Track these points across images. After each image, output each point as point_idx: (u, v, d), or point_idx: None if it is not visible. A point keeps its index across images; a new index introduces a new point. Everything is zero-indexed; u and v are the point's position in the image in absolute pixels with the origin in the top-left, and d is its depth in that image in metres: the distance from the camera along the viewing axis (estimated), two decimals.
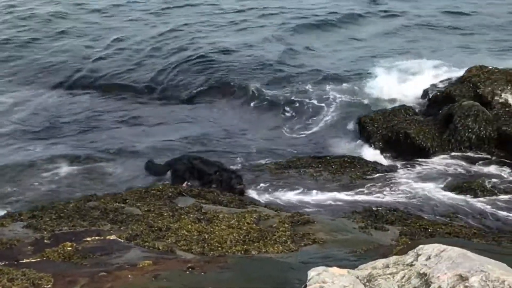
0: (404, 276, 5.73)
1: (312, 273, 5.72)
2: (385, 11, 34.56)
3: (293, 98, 22.45)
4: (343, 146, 18.38)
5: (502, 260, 5.78)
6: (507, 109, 18.00)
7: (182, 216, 11.33)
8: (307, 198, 14.95)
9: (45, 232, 10.35)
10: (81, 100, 23.36)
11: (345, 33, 31.10)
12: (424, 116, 19.03)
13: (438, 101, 19.45)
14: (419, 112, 19.28)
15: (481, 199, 14.70)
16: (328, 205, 14.56)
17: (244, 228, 10.72)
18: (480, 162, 16.74)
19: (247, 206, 12.83)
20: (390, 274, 5.82)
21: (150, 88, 24.11)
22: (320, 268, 5.78)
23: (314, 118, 20.75)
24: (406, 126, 18.05)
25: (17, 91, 24.01)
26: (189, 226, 10.73)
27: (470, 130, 17.21)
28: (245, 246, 9.96)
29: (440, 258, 5.70)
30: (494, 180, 15.75)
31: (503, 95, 18.33)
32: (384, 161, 17.22)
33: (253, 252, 9.70)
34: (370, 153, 17.63)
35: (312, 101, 21.99)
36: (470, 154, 17.12)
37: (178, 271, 7.78)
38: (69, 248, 9.14)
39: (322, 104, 21.68)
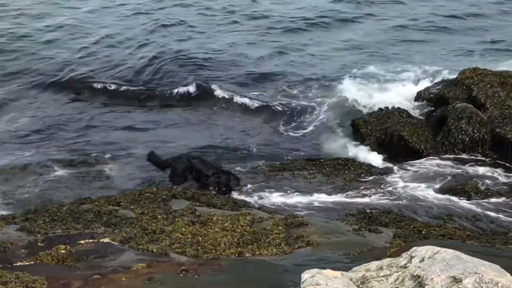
0: (397, 278, 5.74)
1: (306, 275, 5.72)
2: (373, 14, 34.52)
3: (283, 100, 22.36)
4: (336, 149, 18.36)
5: (495, 262, 5.79)
6: (500, 111, 18.03)
7: (176, 219, 11.32)
8: (301, 201, 14.95)
9: (39, 235, 10.34)
10: (69, 101, 23.34)
11: (335, 36, 31.07)
12: (417, 118, 19.02)
13: (431, 103, 19.46)
14: (412, 114, 19.27)
15: (474, 201, 14.73)
16: (322, 207, 14.57)
17: (238, 230, 10.72)
18: (474, 164, 16.76)
19: (241, 209, 12.83)
20: (383, 276, 5.82)
21: (138, 89, 23.94)
22: (314, 271, 5.78)
23: (306, 120, 20.72)
24: (400, 128, 18.06)
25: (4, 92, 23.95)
26: (183, 229, 10.73)
27: (463, 132, 17.23)
28: (239, 248, 9.96)
29: (434, 260, 5.71)
30: (487, 182, 15.78)
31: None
32: (378, 163, 17.21)
33: (247, 254, 9.70)
34: (364, 155, 17.61)
35: (303, 103, 21.95)
36: (464, 156, 17.13)
37: (172, 274, 7.78)
38: (62, 251, 9.14)
39: (314, 105, 21.65)
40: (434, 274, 5.52)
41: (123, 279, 7.65)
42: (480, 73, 19.35)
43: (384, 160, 17.35)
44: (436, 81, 21.70)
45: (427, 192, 15.37)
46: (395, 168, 16.82)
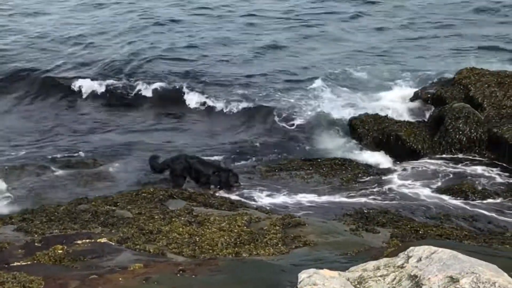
0: (395, 278, 5.74)
1: (303, 275, 5.72)
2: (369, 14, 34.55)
3: (275, 99, 22.38)
4: (334, 149, 18.35)
5: (493, 261, 5.80)
6: (497, 110, 18.05)
7: (173, 219, 11.32)
8: (298, 201, 14.95)
9: (36, 235, 10.34)
10: (62, 101, 23.36)
11: (327, 34, 31.08)
12: (415, 118, 19.03)
13: (429, 103, 19.47)
14: (409, 114, 19.27)
15: (472, 201, 14.74)
16: (319, 207, 14.57)
17: (235, 230, 10.72)
18: (471, 164, 16.77)
19: (238, 209, 12.83)
20: (381, 276, 5.83)
21: (128, 89, 23.92)
22: (311, 271, 5.78)
23: (302, 120, 20.67)
24: (397, 128, 18.07)
25: None
26: (180, 229, 10.72)
27: (461, 132, 17.24)
28: (236, 248, 9.96)
29: (431, 260, 5.72)
30: (485, 182, 15.80)
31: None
32: (375, 163, 17.20)
33: (244, 254, 9.70)
34: (361, 155, 17.62)
35: (297, 102, 21.91)
36: (461, 156, 17.15)
37: (169, 274, 7.78)
38: (59, 251, 9.13)
39: (309, 105, 21.61)
40: (431, 274, 5.52)
41: (120, 279, 7.64)
42: (477, 73, 19.37)
43: (381, 160, 17.34)
44: (433, 80, 21.68)
45: (424, 192, 15.38)
46: (392, 168, 16.83)
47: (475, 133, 17.21)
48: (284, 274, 7.76)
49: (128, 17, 34.19)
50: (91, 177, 16.64)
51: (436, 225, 12.79)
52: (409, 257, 5.91)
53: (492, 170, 16.38)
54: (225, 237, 10.39)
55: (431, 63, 25.18)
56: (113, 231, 10.66)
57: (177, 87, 23.48)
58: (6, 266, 8.63)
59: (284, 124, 20.46)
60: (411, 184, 15.85)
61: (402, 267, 5.82)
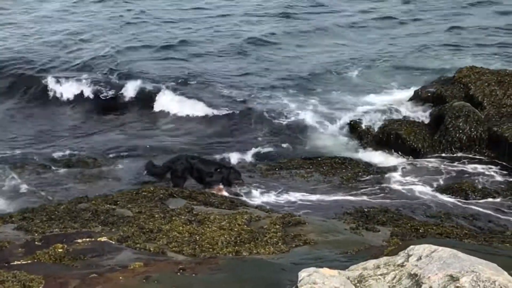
0: (395, 277, 5.74)
1: (303, 274, 5.72)
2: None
3: (277, 97, 22.44)
4: (334, 147, 18.36)
5: (493, 260, 5.80)
6: (497, 109, 18.05)
7: (173, 218, 11.31)
8: (298, 199, 14.95)
9: (36, 234, 10.34)
10: (58, 102, 23.39)
11: (324, 32, 31.13)
12: (415, 117, 19.03)
13: (429, 102, 19.47)
14: (410, 113, 19.27)
15: (472, 200, 14.75)
16: (320, 206, 14.57)
17: (235, 229, 10.72)
18: (471, 162, 16.78)
19: (238, 208, 12.83)
20: (381, 274, 5.83)
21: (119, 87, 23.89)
22: (311, 269, 5.78)
23: (303, 119, 20.69)
24: (397, 127, 18.08)
25: None
26: (180, 228, 10.72)
27: (461, 131, 17.24)
28: (236, 247, 9.96)
29: (431, 259, 5.71)
30: (485, 180, 15.81)
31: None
32: (375, 162, 17.22)
33: (244, 253, 9.69)
34: (361, 154, 17.64)
35: (295, 101, 21.95)
36: (461, 154, 17.16)
37: (169, 273, 7.77)
38: (60, 250, 9.12)
39: (309, 103, 21.63)
40: (431, 272, 5.52)
41: (121, 278, 7.64)
42: (477, 72, 19.39)
43: (381, 159, 17.35)
44: (433, 79, 21.69)
45: (424, 191, 15.38)
46: (393, 167, 16.84)
47: (475, 132, 17.22)
48: (284, 273, 7.75)
49: (116, 14, 34.29)
50: (91, 176, 16.64)
51: (436, 224, 12.79)
52: (409, 255, 5.91)
53: (492, 169, 16.39)
54: (225, 236, 10.39)
55: (431, 61, 25.20)
56: (113, 230, 10.65)
57: (173, 86, 23.47)
58: (6, 265, 8.62)
59: (284, 123, 20.46)
60: (411, 182, 15.86)
61: (402, 266, 5.82)
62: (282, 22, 33.14)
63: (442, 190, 15.33)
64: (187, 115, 21.67)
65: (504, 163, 16.56)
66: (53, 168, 17.11)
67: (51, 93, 23.78)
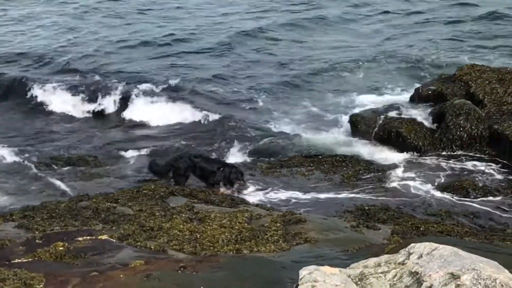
0: (396, 275, 5.74)
1: (304, 272, 5.72)
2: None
3: (278, 95, 22.42)
4: (334, 145, 18.35)
5: (494, 258, 5.80)
6: (498, 107, 18.04)
7: (174, 216, 11.31)
8: (299, 197, 14.95)
9: (37, 232, 10.34)
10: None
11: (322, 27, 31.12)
12: (415, 115, 19.01)
13: (430, 99, 19.45)
14: (410, 111, 19.26)
15: (472, 198, 14.74)
16: (320, 204, 14.56)
17: (236, 227, 10.72)
18: (472, 160, 16.76)
19: (239, 206, 12.83)
20: (381, 273, 5.83)
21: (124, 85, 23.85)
22: (312, 267, 5.78)
23: (303, 116, 20.70)
24: (398, 124, 18.06)
25: None
26: (181, 226, 10.72)
27: (461, 129, 17.23)
28: (237, 245, 9.96)
29: (432, 257, 5.72)
30: (485, 178, 15.79)
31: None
32: (376, 160, 17.21)
33: (245, 251, 9.70)
34: (362, 152, 17.62)
35: (295, 99, 21.97)
36: (462, 152, 17.14)
37: (170, 271, 7.77)
38: (60, 248, 9.13)
39: (309, 101, 21.64)
40: (432, 270, 5.53)
41: (121, 276, 7.64)
42: (478, 70, 19.36)
43: (382, 156, 17.34)
44: (434, 77, 21.68)
45: (425, 189, 15.38)
46: (393, 164, 16.82)
47: (476, 130, 17.20)
48: (285, 271, 7.76)
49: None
50: (92, 174, 16.64)
51: (437, 222, 12.78)
52: (410, 253, 5.92)
53: (493, 167, 16.37)
54: (226, 234, 10.39)
55: (430, 58, 25.19)
56: (114, 228, 10.66)
57: (169, 85, 23.44)
58: (7, 263, 8.63)
59: (284, 121, 20.46)
60: (412, 180, 15.85)
61: (403, 264, 5.83)
62: (277, 16, 33.04)
63: (442, 188, 15.32)
64: (187, 114, 21.62)
65: (505, 161, 16.54)
66: (54, 166, 17.09)
67: (39, 96, 23.59)
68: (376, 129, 18.41)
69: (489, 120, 17.49)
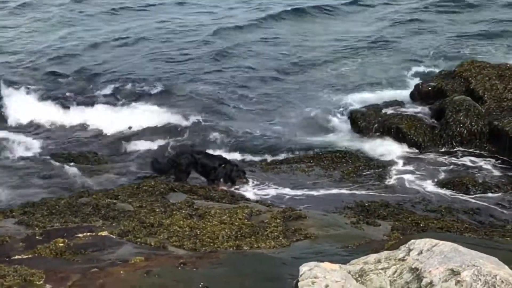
0: (396, 271, 5.74)
1: (304, 268, 5.72)
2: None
3: (277, 91, 22.39)
4: (334, 142, 18.34)
5: (494, 254, 5.80)
6: (498, 103, 18.03)
7: (174, 212, 11.32)
8: (299, 193, 14.95)
9: (37, 229, 10.34)
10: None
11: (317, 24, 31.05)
12: (415, 111, 19.01)
13: (430, 96, 19.45)
14: (410, 107, 19.26)
15: (472, 194, 14.74)
16: (320, 200, 14.57)
17: (236, 223, 10.72)
18: (472, 157, 16.77)
19: (239, 202, 12.83)
20: (382, 269, 5.83)
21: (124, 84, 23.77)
22: (312, 264, 5.78)
23: (303, 113, 20.69)
24: (398, 121, 18.06)
25: None
26: (181, 222, 10.72)
27: (461, 125, 17.23)
28: (237, 241, 9.96)
29: (432, 253, 5.72)
30: (485, 175, 15.81)
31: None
32: (376, 156, 17.20)
33: (245, 247, 9.70)
34: (362, 148, 17.62)
35: (295, 96, 21.92)
36: (462, 149, 17.13)
37: (170, 267, 7.77)
38: (61, 245, 9.13)
39: (308, 99, 21.62)
40: (432, 266, 5.53)
41: (121, 272, 7.64)
42: (478, 66, 19.36)
43: (382, 153, 17.33)
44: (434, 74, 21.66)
45: (425, 185, 15.38)
46: (393, 161, 16.82)
47: (476, 126, 17.20)
48: (285, 267, 7.76)
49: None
50: (92, 171, 16.64)
51: (437, 218, 12.80)
52: (410, 250, 5.92)
53: (492, 163, 16.38)
54: (226, 230, 10.39)
55: (430, 55, 25.16)
56: (114, 224, 10.66)
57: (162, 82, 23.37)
58: (7, 259, 8.63)
59: (283, 118, 20.46)
60: (412, 177, 15.85)
61: (403, 260, 5.83)
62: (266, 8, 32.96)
63: (442, 184, 15.32)
64: (185, 113, 21.57)
65: (504, 157, 16.54)
66: (54, 162, 17.10)
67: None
68: (376, 125, 18.41)
69: (489, 116, 17.48)
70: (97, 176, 16.27)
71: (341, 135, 18.74)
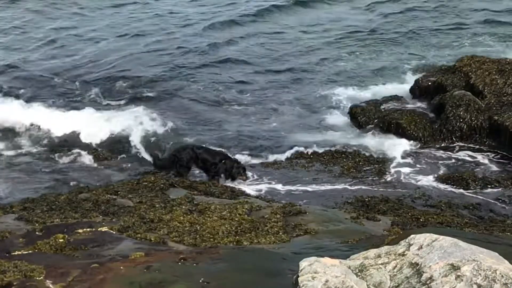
0: (396, 266, 5.74)
1: (304, 263, 5.72)
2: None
3: (277, 89, 22.35)
4: (334, 137, 18.32)
5: (494, 249, 5.80)
6: (498, 98, 18.02)
7: (174, 208, 11.33)
8: (299, 189, 14.96)
9: (37, 224, 10.34)
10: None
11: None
12: (415, 106, 19.01)
13: (429, 91, 19.44)
14: (410, 102, 19.25)
15: (472, 189, 14.75)
16: (320, 195, 14.57)
17: (236, 219, 10.73)
18: (472, 152, 16.76)
19: (239, 197, 12.84)
20: (382, 264, 5.83)
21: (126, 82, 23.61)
22: (312, 259, 5.78)
23: (302, 110, 20.65)
24: (398, 116, 18.06)
25: None
26: (181, 218, 10.73)
27: (461, 120, 17.22)
28: (237, 237, 9.97)
29: (432, 248, 5.72)
30: (485, 170, 15.81)
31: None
32: (375, 151, 17.19)
33: (245, 243, 9.70)
34: (362, 144, 17.60)
35: (294, 94, 21.87)
36: (462, 144, 17.13)
37: (170, 263, 7.78)
38: (61, 240, 9.13)
39: (308, 96, 21.58)
40: (432, 261, 5.53)
41: (121, 267, 7.65)
42: (478, 61, 19.31)
43: (382, 148, 17.32)
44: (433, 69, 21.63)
45: (425, 180, 15.39)
46: (393, 156, 16.80)
47: (475, 121, 17.20)
48: (285, 262, 7.77)
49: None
50: (92, 166, 16.63)
51: (437, 213, 12.80)
52: (410, 245, 5.91)
53: (492, 158, 16.38)
54: (226, 226, 10.40)
55: (431, 51, 25.11)
56: (114, 220, 10.67)
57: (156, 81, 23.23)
58: (7, 255, 8.63)
59: (282, 115, 20.42)
60: (412, 172, 15.85)
61: (403, 255, 5.82)
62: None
63: (442, 179, 15.33)
64: (180, 111, 21.48)
65: (504, 152, 16.54)
66: (53, 158, 17.08)
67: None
68: (376, 120, 18.41)
69: (489, 111, 17.47)
70: (97, 172, 16.28)
71: (341, 131, 18.70)
